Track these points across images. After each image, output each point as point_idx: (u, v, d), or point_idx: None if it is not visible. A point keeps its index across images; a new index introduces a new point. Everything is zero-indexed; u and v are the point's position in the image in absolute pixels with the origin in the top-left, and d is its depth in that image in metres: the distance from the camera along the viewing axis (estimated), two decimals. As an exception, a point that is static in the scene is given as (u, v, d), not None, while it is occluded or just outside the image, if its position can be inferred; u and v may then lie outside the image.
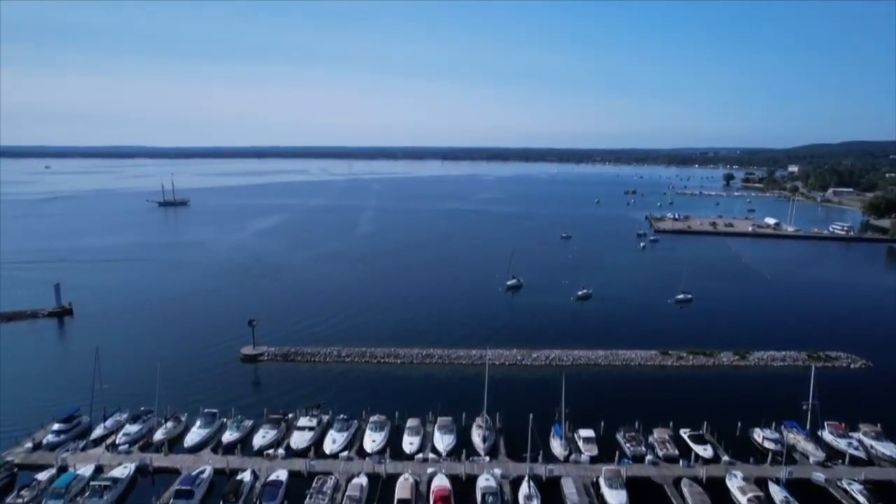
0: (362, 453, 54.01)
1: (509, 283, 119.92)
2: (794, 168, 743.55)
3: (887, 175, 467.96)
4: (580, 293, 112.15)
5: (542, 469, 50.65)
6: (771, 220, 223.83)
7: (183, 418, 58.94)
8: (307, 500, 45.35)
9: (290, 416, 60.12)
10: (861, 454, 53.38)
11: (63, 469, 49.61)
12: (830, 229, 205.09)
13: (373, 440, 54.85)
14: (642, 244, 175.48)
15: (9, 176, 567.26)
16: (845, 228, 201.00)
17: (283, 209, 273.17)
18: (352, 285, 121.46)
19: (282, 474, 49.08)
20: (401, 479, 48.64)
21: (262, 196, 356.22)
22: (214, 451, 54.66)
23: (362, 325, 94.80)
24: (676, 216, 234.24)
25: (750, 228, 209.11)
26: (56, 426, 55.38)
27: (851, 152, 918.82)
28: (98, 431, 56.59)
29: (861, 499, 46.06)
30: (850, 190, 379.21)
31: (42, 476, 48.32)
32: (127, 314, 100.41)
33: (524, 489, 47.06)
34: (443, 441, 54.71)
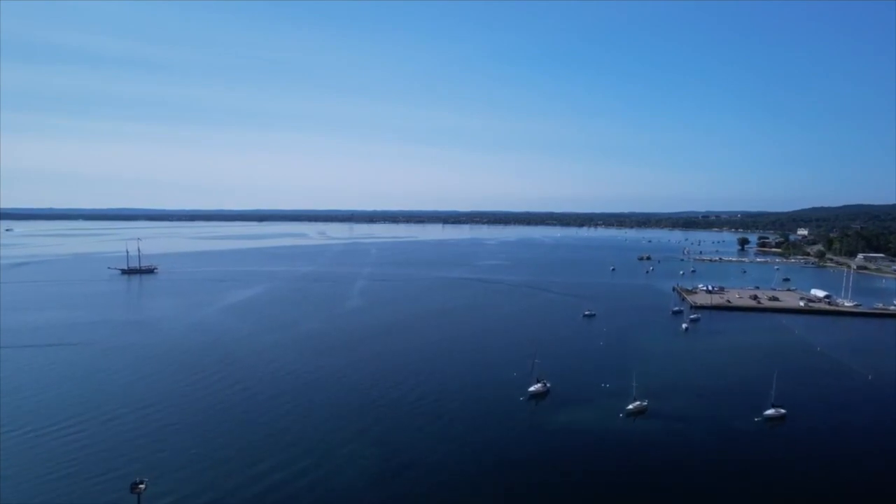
0: None
1: (533, 388, 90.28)
2: (803, 231, 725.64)
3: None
4: (631, 407, 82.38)
5: None
6: (819, 293, 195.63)
7: None
8: None
9: None
10: None
11: None
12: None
13: None
14: (684, 325, 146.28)
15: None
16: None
17: (267, 277, 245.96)
18: (320, 393, 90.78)
19: None
20: None
21: (250, 262, 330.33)
22: None
23: (323, 468, 64.00)
24: (710, 288, 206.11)
25: (801, 303, 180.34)
26: None
27: (856, 216, 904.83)
28: None
29: None
30: (882, 255, 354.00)
31: None
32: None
33: None
34: None
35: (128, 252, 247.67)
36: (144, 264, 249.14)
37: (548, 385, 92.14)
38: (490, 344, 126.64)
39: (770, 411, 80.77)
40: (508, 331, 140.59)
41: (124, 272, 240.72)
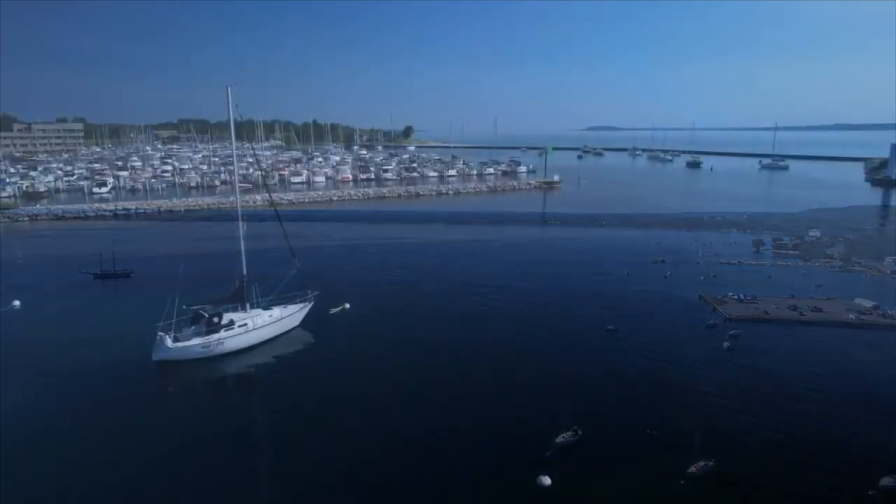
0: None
1: (560, 438, 70.19)
2: (815, 232, 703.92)
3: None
4: (694, 469, 62.18)
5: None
6: (867, 303, 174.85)
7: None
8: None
9: None
10: None
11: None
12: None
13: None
14: (726, 344, 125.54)
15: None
16: None
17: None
18: (270, 454, 70.21)
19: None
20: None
21: (236, 265, 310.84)
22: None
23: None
24: (742, 297, 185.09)
25: (851, 316, 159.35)
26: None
27: (863, 217, 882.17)
28: None
29: None
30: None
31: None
32: None
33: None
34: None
35: (101, 255, 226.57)
36: (119, 268, 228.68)
37: (579, 432, 72.31)
38: (500, 370, 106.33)
39: (888, 480, 60.53)
40: (520, 351, 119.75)
41: (97, 276, 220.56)
